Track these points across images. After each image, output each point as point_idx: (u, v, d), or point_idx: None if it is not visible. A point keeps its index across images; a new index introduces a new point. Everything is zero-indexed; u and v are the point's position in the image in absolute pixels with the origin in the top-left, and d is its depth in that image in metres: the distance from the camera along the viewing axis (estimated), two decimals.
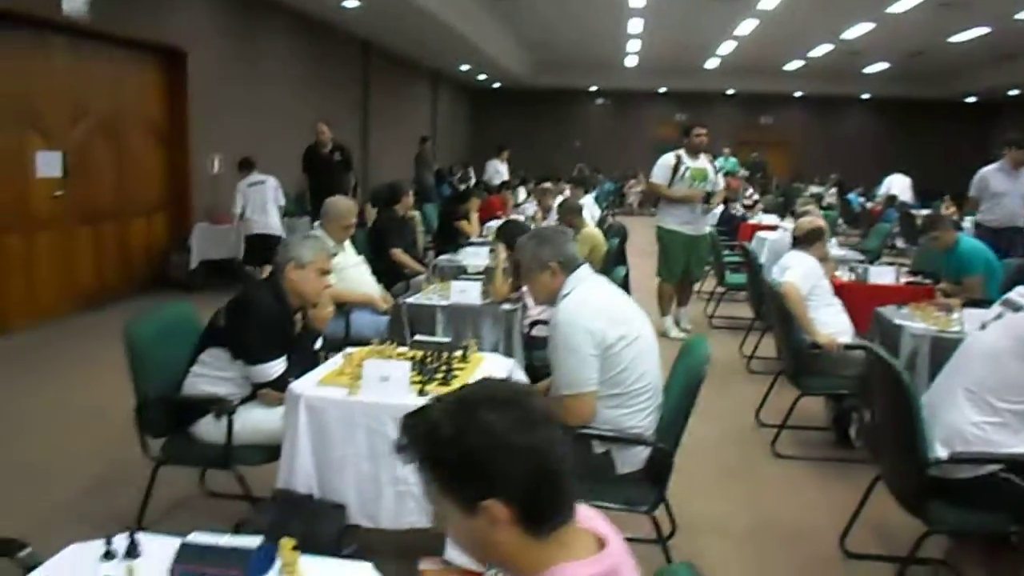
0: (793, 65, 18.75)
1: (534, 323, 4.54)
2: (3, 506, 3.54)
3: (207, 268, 8.35)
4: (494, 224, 8.44)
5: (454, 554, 2.75)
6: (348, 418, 2.82)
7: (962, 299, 4.89)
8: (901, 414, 2.88)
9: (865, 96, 22.09)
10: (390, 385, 2.84)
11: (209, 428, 3.10)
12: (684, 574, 1.40)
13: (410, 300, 4.58)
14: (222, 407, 3.02)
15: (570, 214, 6.03)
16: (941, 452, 2.84)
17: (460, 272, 5.74)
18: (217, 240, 8.31)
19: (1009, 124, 19.91)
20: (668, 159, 6.82)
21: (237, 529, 3.19)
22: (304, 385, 2.91)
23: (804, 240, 4.83)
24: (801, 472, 4.29)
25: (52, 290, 7.09)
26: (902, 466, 2.99)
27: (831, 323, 4.48)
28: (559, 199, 7.63)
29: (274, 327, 3.08)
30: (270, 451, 3.16)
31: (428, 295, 4.72)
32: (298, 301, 3.18)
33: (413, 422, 1.23)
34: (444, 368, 3.04)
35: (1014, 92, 18.76)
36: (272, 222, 8.19)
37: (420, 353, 3.21)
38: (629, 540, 1.32)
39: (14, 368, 5.79)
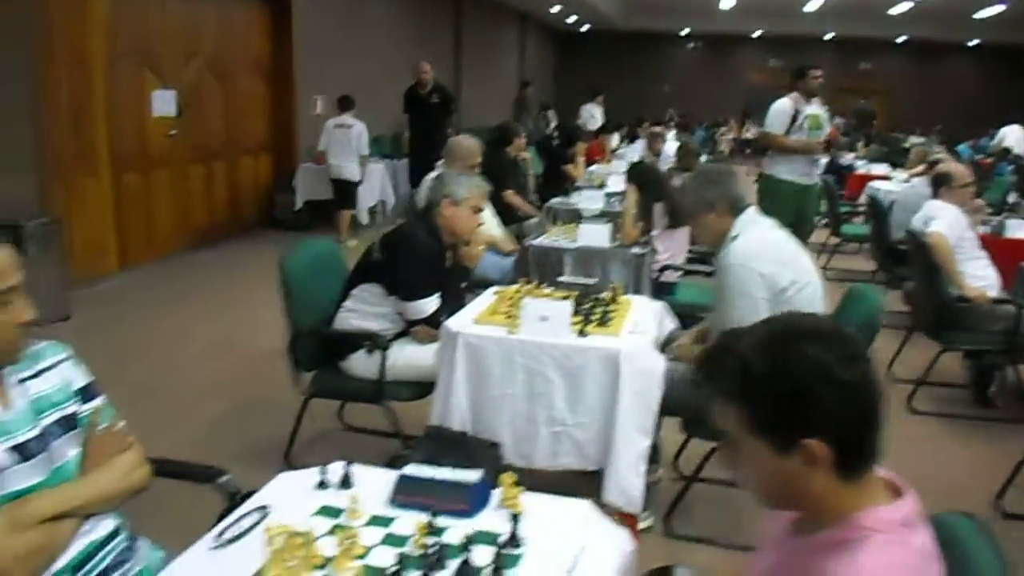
0: (900, 8, 17.82)
1: (664, 268, 4.45)
2: (143, 436, 3.65)
3: (311, 208, 8.43)
4: (595, 168, 8.32)
5: (614, 496, 2.75)
6: (507, 357, 2.79)
7: None
8: None
9: (972, 43, 20.94)
10: (550, 325, 2.80)
11: (360, 363, 3.12)
12: (965, 525, 1.31)
13: (536, 242, 4.52)
14: (376, 342, 3.02)
15: (688, 157, 5.86)
16: None
17: (575, 215, 5.65)
18: (320, 181, 8.36)
19: None
20: (784, 105, 6.48)
21: (391, 464, 3.23)
22: (461, 323, 2.89)
23: (946, 188, 4.59)
24: (940, 429, 4.14)
25: (168, 227, 7.26)
26: None
27: (980, 276, 4.26)
28: (670, 143, 7.42)
29: (429, 264, 3.06)
30: (420, 388, 3.17)
31: (553, 238, 4.66)
32: (450, 238, 3.15)
33: (716, 358, 1.18)
34: (600, 309, 2.97)
35: None
36: (350, 167, 7.93)
37: (570, 294, 3.16)
38: None
39: (138, 302, 5.96)
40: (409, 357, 3.10)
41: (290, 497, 1.67)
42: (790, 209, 6.39)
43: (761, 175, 6.46)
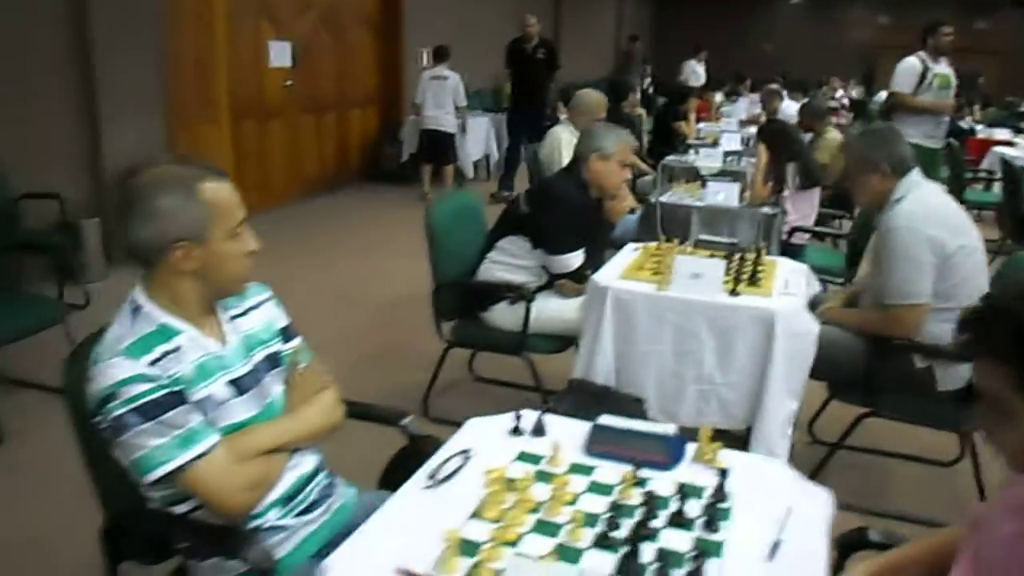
0: None
1: (794, 230, 4.33)
2: None
3: (414, 161, 8.48)
4: (704, 126, 8.14)
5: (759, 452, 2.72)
6: (656, 313, 2.77)
7: None
8: None
9: None
10: (702, 283, 2.75)
11: (502, 314, 3.14)
12: None
13: (664, 199, 4.46)
14: (521, 294, 3.03)
15: (812, 118, 5.66)
16: None
17: (691, 173, 5.54)
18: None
19: None
20: (912, 64, 6.17)
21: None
22: (608, 277, 2.88)
23: None
24: None
25: (281, 177, 7.43)
26: None
27: None
28: (787, 103, 7.19)
29: (577, 218, 3.04)
30: (559, 341, 3.18)
31: (680, 195, 4.58)
32: (597, 193, 3.12)
33: (988, 317, 1.14)
34: (749, 269, 2.92)
35: None
36: (447, 119, 7.91)
37: (714, 252, 3.11)
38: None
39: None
40: (552, 311, 3.10)
41: (486, 442, 1.69)
42: None
43: None
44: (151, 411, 1.40)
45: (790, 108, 6.98)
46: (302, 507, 1.63)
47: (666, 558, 1.31)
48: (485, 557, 1.29)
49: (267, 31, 7.13)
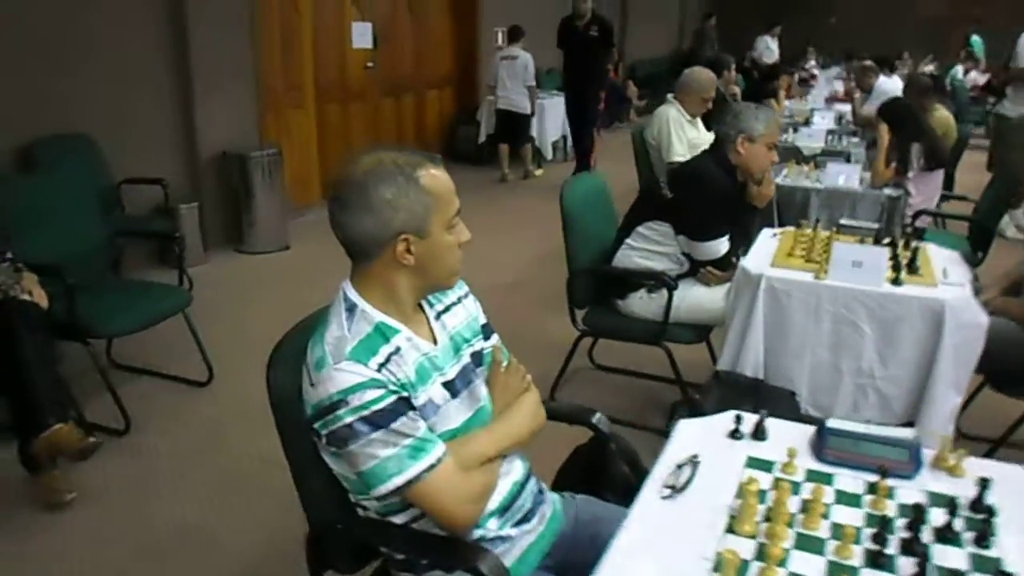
0: None
1: (918, 213, 4.15)
2: None
3: (491, 142, 8.39)
4: (789, 104, 7.91)
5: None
6: (813, 303, 2.65)
7: None
8: None
9: None
10: (863, 271, 2.62)
11: (640, 303, 3.05)
12: None
13: (781, 182, 4.30)
14: (663, 282, 2.93)
15: (921, 95, 5.42)
16: None
17: (791, 153, 5.34)
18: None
19: None
20: None
21: (675, 409, 3.18)
22: (760, 265, 2.76)
23: None
24: None
25: None
26: None
27: None
28: (883, 79, 6.92)
29: (723, 203, 2.93)
30: (699, 331, 3.08)
31: (795, 177, 4.42)
32: (742, 176, 3.00)
33: None
34: (908, 256, 2.77)
35: None
36: (519, 100, 7.75)
37: (862, 238, 2.97)
38: None
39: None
40: (695, 299, 3.00)
41: (708, 446, 1.59)
42: None
43: (997, 116, 5.96)
44: (382, 419, 1.32)
45: (886, 84, 6.71)
46: (519, 516, 1.55)
47: None
48: None
49: (350, 12, 7.08)
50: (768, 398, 2.73)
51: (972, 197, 4.59)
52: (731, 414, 1.69)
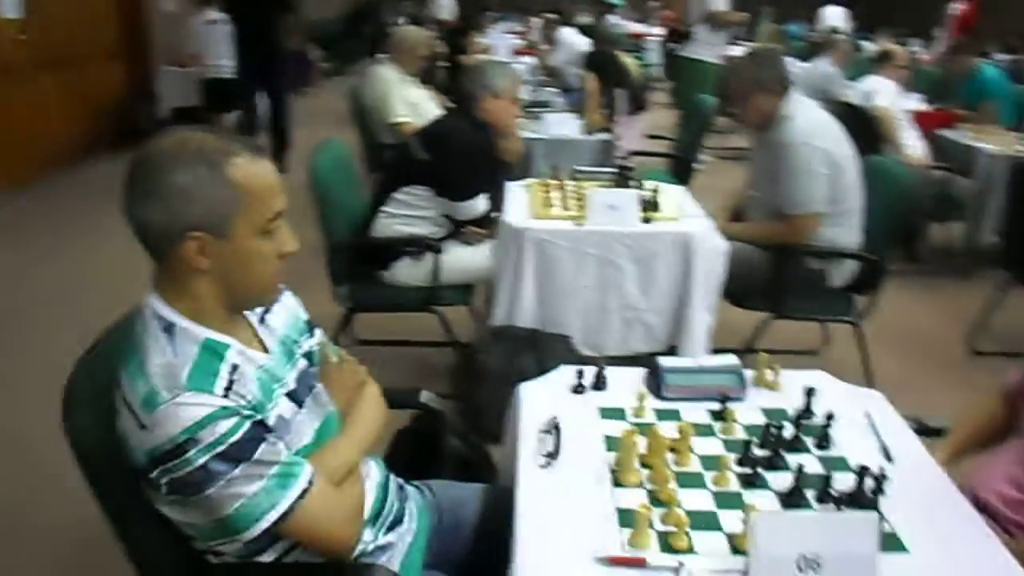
0: None
1: (632, 153, 4.47)
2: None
3: (178, 116, 7.69)
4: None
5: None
6: (577, 249, 2.76)
7: (978, 122, 5.06)
8: None
9: None
10: (619, 214, 2.78)
11: (407, 271, 2.97)
12: None
13: None
14: (428, 246, 2.88)
15: (608, 44, 5.80)
16: None
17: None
18: (186, 85, 7.62)
19: None
20: None
21: (455, 371, 3.15)
22: (521, 219, 2.81)
23: (887, 65, 4.90)
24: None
25: (24, 148, 6.41)
26: None
27: (916, 146, 4.62)
28: (567, 31, 7.30)
29: (480, 161, 2.92)
30: (467, 291, 3.09)
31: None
32: (493, 133, 3.01)
33: None
34: (649, 195, 2.97)
35: None
36: (229, 66, 7.12)
37: (604, 183, 3.14)
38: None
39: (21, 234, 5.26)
40: (460, 260, 2.98)
41: (557, 405, 1.58)
42: None
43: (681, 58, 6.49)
44: (242, 451, 1.13)
45: (569, 36, 7.10)
46: (391, 520, 1.43)
47: (821, 482, 1.32)
48: (672, 523, 1.23)
49: None
50: (546, 345, 2.82)
51: (666, 135, 5.04)
52: (571, 369, 1.70)
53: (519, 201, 3.01)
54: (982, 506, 1.37)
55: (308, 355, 1.43)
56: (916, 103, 5.32)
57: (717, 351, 2.95)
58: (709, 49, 6.03)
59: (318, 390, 1.39)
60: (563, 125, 4.39)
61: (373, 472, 1.45)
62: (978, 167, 4.51)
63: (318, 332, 1.50)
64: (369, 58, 9.23)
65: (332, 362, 1.48)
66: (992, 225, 4.41)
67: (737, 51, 6.99)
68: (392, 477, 1.51)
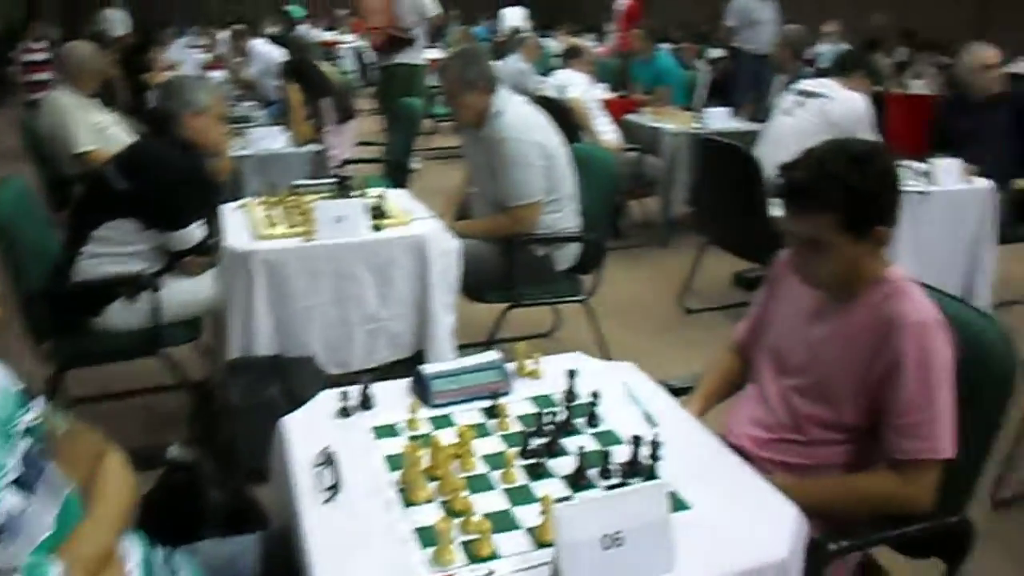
0: None
1: (345, 162, 4.40)
2: None
3: None
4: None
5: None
6: (310, 266, 2.65)
7: (657, 105, 5.64)
8: (746, 184, 3.48)
9: None
10: (348, 224, 2.70)
11: (121, 315, 2.67)
12: None
13: None
14: (142, 284, 2.61)
15: (306, 51, 5.63)
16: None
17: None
18: None
19: None
20: None
21: (193, 415, 2.88)
22: (245, 242, 2.64)
23: (577, 60, 5.24)
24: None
25: None
26: (751, 229, 3.59)
27: (609, 131, 4.99)
28: (259, 41, 7.01)
29: (189, 184, 2.68)
30: (194, 326, 2.85)
31: None
32: (200, 153, 2.78)
33: (810, 183, 1.46)
34: (375, 202, 2.92)
35: None
36: None
37: (323, 195, 3.04)
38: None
39: None
40: (179, 294, 2.73)
41: (327, 433, 1.49)
42: None
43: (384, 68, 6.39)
44: None
45: (262, 47, 6.81)
46: None
47: (601, 459, 1.36)
48: (473, 531, 1.19)
49: None
50: (291, 371, 2.68)
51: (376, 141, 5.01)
52: (333, 392, 1.61)
53: (238, 223, 2.82)
54: (736, 450, 1.49)
55: (30, 431, 1.21)
56: (604, 92, 5.73)
57: (463, 348, 3.02)
58: (417, 53, 6.06)
59: (49, 470, 1.19)
60: (270, 139, 4.20)
61: (132, 551, 1.27)
62: (663, 146, 4.96)
63: (37, 402, 1.28)
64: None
65: (61, 434, 1.27)
66: (682, 196, 4.88)
67: (433, 54, 7.21)
68: (154, 550, 1.33)
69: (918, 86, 7.16)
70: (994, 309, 3.77)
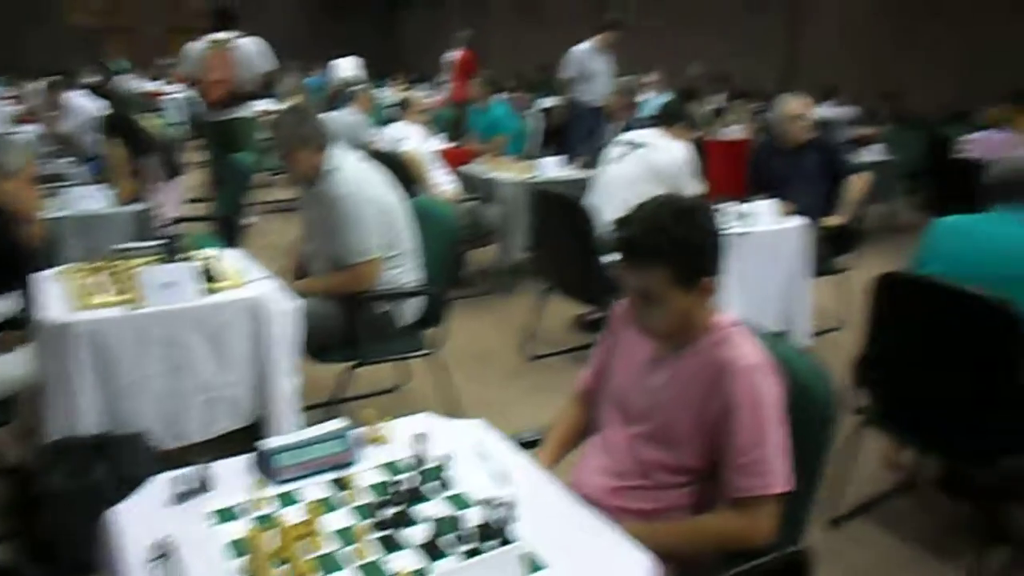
0: None
1: (175, 221, 4.20)
2: None
3: None
4: None
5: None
6: (139, 336, 2.49)
7: (492, 154, 5.76)
8: (584, 235, 3.60)
9: None
10: (177, 290, 2.57)
11: None
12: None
13: None
14: None
15: (124, 106, 5.38)
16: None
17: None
18: None
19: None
20: None
21: (9, 506, 2.61)
22: (63, 313, 2.45)
23: (408, 111, 5.26)
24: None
25: None
26: (587, 274, 3.71)
27: (446, 182, 5.03)
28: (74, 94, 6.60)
29: (2, 256, 2.47)
30: (7, 407, 2.62)
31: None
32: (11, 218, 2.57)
33: (641, 237, 1.52)
34: (206, 264, 2.79)
35: None
36: None
37: (151, 259, 2.88)
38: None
39: None
40: None
41: (162, 522, 1.39)
42: None
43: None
44: None
45: (78, 100, 6.42)
46: None
47: (454, 524, 1.34)
48: None
49: None
50: (121, 450, 2.50)
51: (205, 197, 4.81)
52: (166, 476, 1.51)
53: (55, 293, 2.62)
54: (587, 500, 1.50)
55: None
56: (440, 143, 5.78)
57: (307, 409, 2.92)
58: (248, 106, 5.88)
59: None
60: (90, 199, 3.94)
61: None
62: (500, 195, 5.05)
63: None
64: None
65: None
66: (520, 243, 4.97)
67: (264, 105, 7.04)
68: None
69: (734, 132, 7.67)
70: (812, 338, 4.06)
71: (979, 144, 6.05)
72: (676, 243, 1.48)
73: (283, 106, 8.94)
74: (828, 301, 4.46)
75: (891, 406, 2.66)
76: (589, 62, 6.94)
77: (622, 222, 1.53)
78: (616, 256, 1.55)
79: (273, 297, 2.72)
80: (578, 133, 6.51)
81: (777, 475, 1.49)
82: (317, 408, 3.13)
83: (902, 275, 2.57)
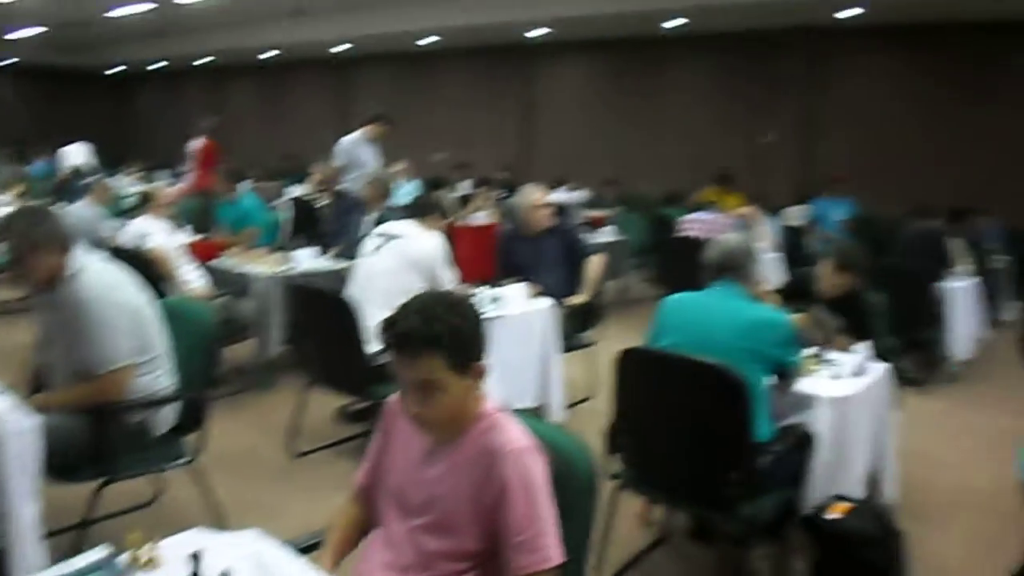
0: None
1: None
2: None
3: None
4: None
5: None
6: None
7: (243, 247, 5.63)
8: (346, 327, 3.63)
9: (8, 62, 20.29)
10: None
11: None
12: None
13: None
14: None
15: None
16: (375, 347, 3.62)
17: None
18: None
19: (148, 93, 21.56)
20: None
21: None
22: None
23: (153, 206, 5.03)
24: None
25: None
26: (350, 366, 3.72)
27: (195, 278, 4.84)
28: None
29: None
30: None
31: None
32: None
33: (413, 330, 1.59)
34: None
35: (156, 65, 20.15)
36: None
37: None
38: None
39: None
40: None
41: None
42: None
43: None
44: None
45: None
46: None
47: None
48: None
49: None
50: None
51: None
52: None
53: None
54: None
55: None
56: (187, 236, 5.54)
57: (52, 535, 2.66)
58: None
59: None
60: None
61: None
62: (254, 289, 4.93)
63: None
64: None
65: None
66: (277, 337, 4.87)
67: None
68: None
69: (481, 218, 8.07)
70: (566, 409, 4.33)
71: (694, 224, 6.83)
72: (452, 331, 1.58)
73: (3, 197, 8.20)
74: (577, 373, 4.78)
75: (641, 468, 2.91)
76: (356, 152, 7.05)
77: (394, 319, 1.60)
78: (389, 352, 1.62)
79: (6, 414, 2.47)
80: (341, 222, 6.56)
81: (551, 548, 1.60)
82: (64, 532, 2.86)
83: (640, 350, 2.86)
